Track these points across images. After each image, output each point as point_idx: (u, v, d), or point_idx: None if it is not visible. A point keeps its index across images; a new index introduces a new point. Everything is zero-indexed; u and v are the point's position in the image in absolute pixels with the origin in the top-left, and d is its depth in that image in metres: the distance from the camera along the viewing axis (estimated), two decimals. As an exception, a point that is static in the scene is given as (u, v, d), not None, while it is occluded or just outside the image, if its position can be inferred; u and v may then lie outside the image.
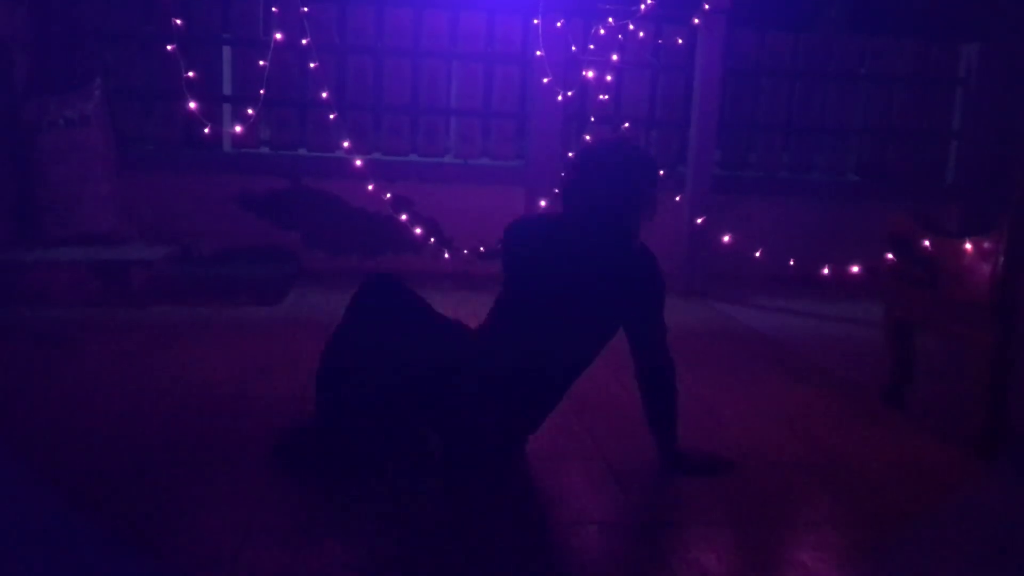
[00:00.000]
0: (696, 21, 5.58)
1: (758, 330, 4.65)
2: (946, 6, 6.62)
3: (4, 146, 4.88)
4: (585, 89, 5.68)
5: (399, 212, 5.40)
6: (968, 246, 2.93)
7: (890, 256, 3.37)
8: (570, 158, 2.65)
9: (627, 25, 5.49)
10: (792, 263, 5.34)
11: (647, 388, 2.67)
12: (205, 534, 2.11)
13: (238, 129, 4.87)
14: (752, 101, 6.17)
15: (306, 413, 2.81)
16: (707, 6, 5.49)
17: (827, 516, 2.43)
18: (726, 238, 5.17)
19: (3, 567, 1.92)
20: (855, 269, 4.43)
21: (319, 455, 2.60)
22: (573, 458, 2.73)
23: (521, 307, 2.69)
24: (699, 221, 5.35)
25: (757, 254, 5.22)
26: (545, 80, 5.43)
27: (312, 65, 5.11)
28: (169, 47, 4.79)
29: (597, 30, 5.52)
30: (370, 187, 5.20)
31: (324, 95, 5.13)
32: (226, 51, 5.64)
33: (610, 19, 5.46)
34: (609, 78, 5.62)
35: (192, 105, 4.50)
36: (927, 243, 3.16)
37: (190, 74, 4.86)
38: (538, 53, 5.39)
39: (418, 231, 5.35)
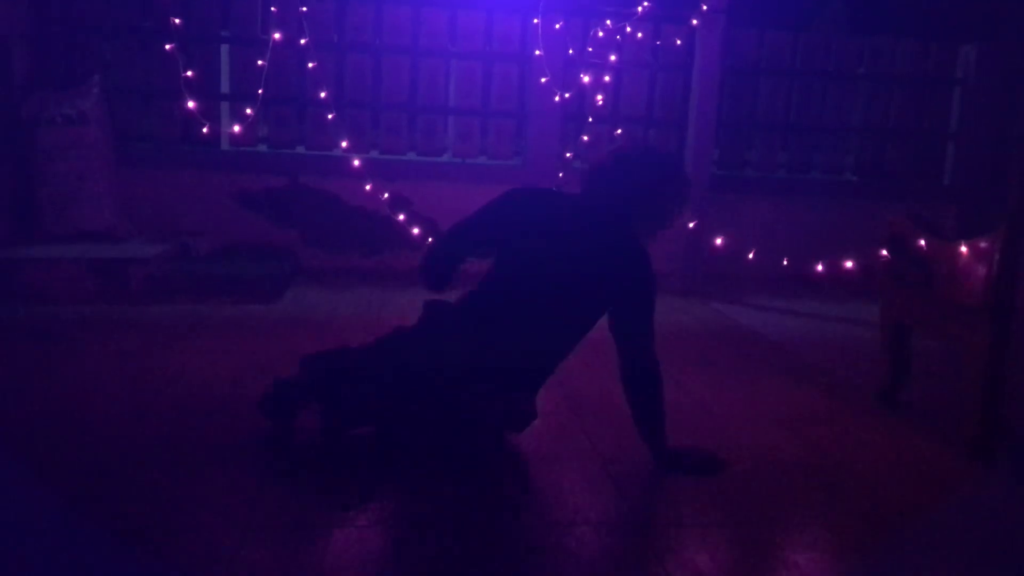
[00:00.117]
0: (695, 22, 5.59)
1: (756, 330, 4.66)
2: (945, 7, 6.64)
3: (2, 143, 4.89)
4: (584, 89, 5.68)
5: (397, 211, 5.41)
6: (964, 248, 2.94)
7: (884, 254, 3.38)
8: (614, 146, 2.72)
9: (626, 25, 5.50)
10: (789, 263, 5.35)
11: (633, 390, 2.67)
12: (204, 533, 2.12)
13: (236, 129, 4.87)
14: (751, 101, 6.18)
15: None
16: (705, 6, 5.50)
17: (823, 516, 2.43)
18: (721, 239, 5.17)
19: (2, 567, 1.93)
20: (850, 265, 4.43)
21: (318, 453, 2.61)
22: (569, 458, 2.74)
23: (509, 277, 2.75)
24: (691, 225, 5.34)
25: (751, 255, 5.23)
26: (543, 80, 5.43)
27: (310, 65, 5.11)
28: (168, 46, 4.79)
29: (596, 30, 5.53)
30: (368, 186, 5.21)
31: (323, 94, 5.13)
32: (224, 49, 5.64)
33: (608, 21, 5.46)
34: (608, 78, 5.63)
35: (191, 104, 4.51)
36: (923, 244, 3.17)
37: (188, 73, 4.86)
38: (537, 53, 5.40)
39: (416, 230, 5.35)
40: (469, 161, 5.92)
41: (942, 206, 6.11)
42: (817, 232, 5.91)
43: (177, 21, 4.95)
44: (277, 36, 4.92)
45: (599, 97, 5.64)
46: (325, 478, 2.50)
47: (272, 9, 5.11)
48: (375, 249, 5.67)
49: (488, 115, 5.91)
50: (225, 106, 5.62)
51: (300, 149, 5.81)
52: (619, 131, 5.83)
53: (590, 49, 5.53)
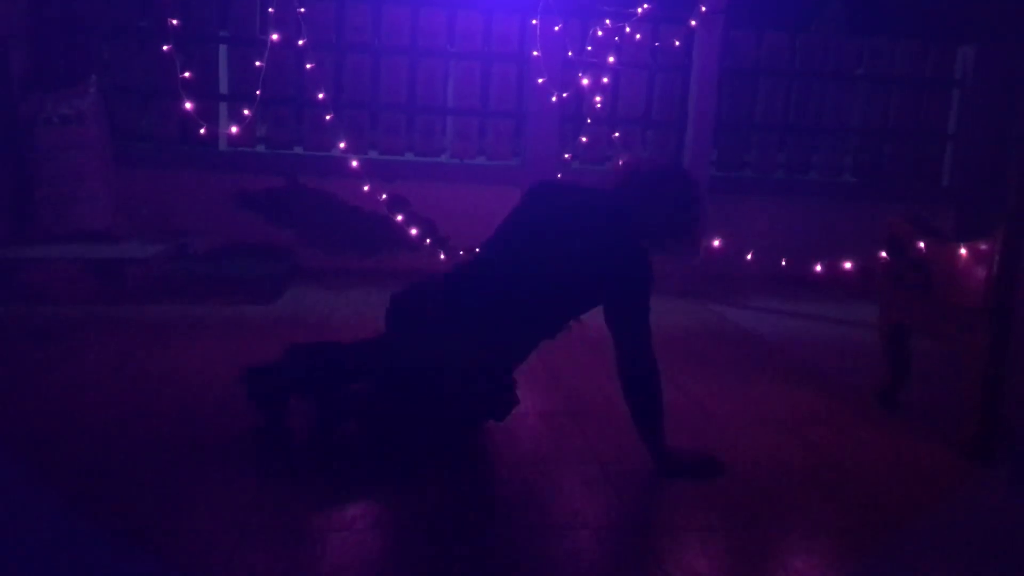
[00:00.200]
0: (693, 23, 5.59)
1: (754, 331, 4.66)
2: (943, 8, 6.64)
3: (0, 143, 4.87)
4: (582, 89, 5.68)
5: (395, 211, 5.40)
6: (963, 250, 2.94)
7: (883, 255, 3.38)
8: (664, 164, 2.81)
9: (625, 26, 5.50)
10: (788, 264, 5.35)
11: (630, 389, 2.67)
12: (201, 535, 2.11)
13: (234, 129, 4.86)
14: (749, 101, 6.17)
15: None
16: (704, 7, 5.50)
17: (821, 519, 2.43)
18: (720, 241, 5.17)
19: (1, 567, 1.92)
20: (848, 266, 4.43)
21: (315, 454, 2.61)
22: (568, 461, 2.73)
23: (493, 261, 2.81)
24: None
25: (749, 256, 5.22)
26: (541, 80, 5.43)
27: (308, 66, 5.10)
28: (165, 47, 4.78)
29: (595, 31, 5.52)
30: (366, 186, 5.20)
31: (321, 95, 5.13)
32: (223, 50, 5.63)
33: (607, 21, 5.46)
34: (606, 79, 5.62)
35: (188, 105, 4.50)
36: (922, 246, 3.17)
37: (186, 74, 4.85)
38: (535, 53, 5.39)
39: (414, 231, 5.34)
40: (467, 161, 5.91)
41: (940, 207, 6.11)
42: (816, 233, 5.91)
43: (175, 22, 4.94)
44: (275, 37, 4.91)
45: (597, 98, 5.63)
46: (323, 478, 2.49)
47: (270, 10, 5.10)
48: (373, 249, 5.66)
49: (487, 115, 5.90)
50: (223, 106, 5.62)
51: (298, 149, 5.80)
52: (616, 134, 5.82)
53: (589, 48, 5.52)
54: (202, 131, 4.63)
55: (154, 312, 4.28)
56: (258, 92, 4.82)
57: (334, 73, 5.67)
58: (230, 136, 5.31)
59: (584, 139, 5.73)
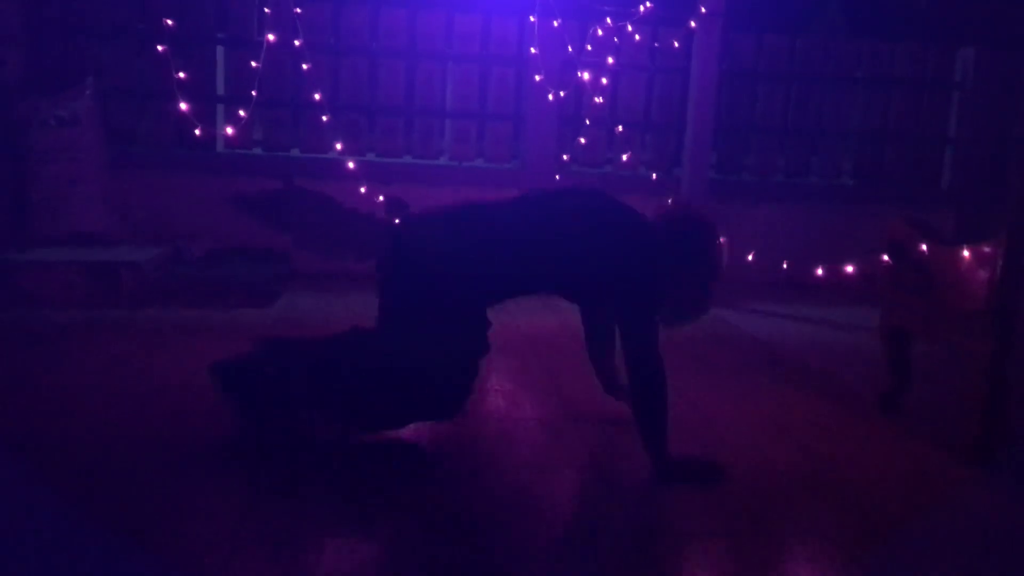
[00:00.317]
0: (693, 24, 5.56)
1: (754, 335, 4.63)
2: (942, 11, 6.63)
3: (-5, 145, 4.85)
4: (581, 91, 5.65)
5: (393, 214, 5.36)
6: (966, 253, 2.91)
7: (885, 259, 3.35)
8: (708, 221, 2.79)
9: (626, 25, 5.47)
10: (788, 267, 5.32)
11: (632, 392, 2.65)
12: (193, 544, 2.08)
13: (229, 130, 4.82)
14: (748, 104, 6.15)
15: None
16: (703, 9, 5.47)
17: (823, 525, 2.40)
18: (725, 240, 5.13)
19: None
20: (849, 269, 4.40)
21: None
22: (565, 467, 2.70)
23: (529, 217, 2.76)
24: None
25: (750, 257, 5.19)
26: (538, 78, 5.40)
27: (305, 67, 5.07)
28: (160, 47, 4.74)
29: (595, 28, 5.50)
30: (363, 189, 5.17)
31: (317, 96, 5.09)
32: (220, 51, 5.60)
33: (608, 20, 5.43)
34: (605, 80, 5.60)
35: (183, 106, 4.46)
36: (924, 249, 3.14)
37: (180, 74, 4.81)
38: (532, 51, 5.37)
39: (412, 233, 5.30)
40: (466, 164, 5.88)
41: (940, 210, 6.08)
42: (815, 236, 5.88)
43: (169, 23, 4.90)
44: (271, 37, 4.87)
45: (596, 99, 5.61)
46: (317, 483, 2.46)
47: (266, 10, 5.07)
48: (370, 253, 5.62)
49: (485, 118, 5.88)
50: (221, 109, 5.59)
51: (295, 152, 5.77)
52: (620, 127, 5.77)
53: (589, 48, 5.50)
54: (197, 132, 4.59)
55: (149, 316, 4.25)
56: (254, 93, 4.78)
57: (331, 75, 5.64)
58: (227, 138, 5.27)
59: (583, 141, 5.70)
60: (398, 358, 2.62)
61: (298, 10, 4.95)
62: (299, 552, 2.06)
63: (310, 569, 1.99)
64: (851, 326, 4.92)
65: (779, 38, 6.14)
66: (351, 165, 5.11)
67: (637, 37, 5.63)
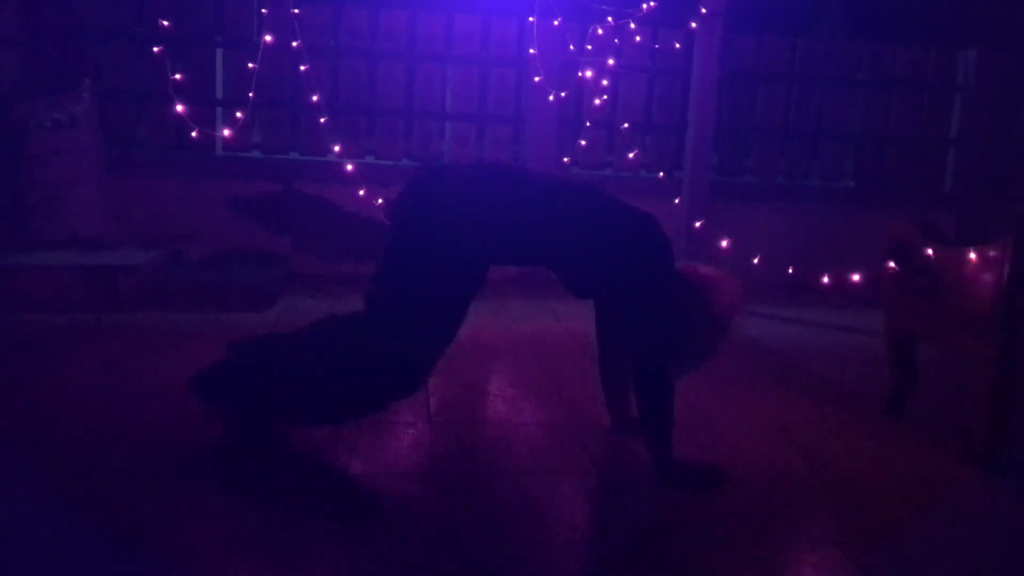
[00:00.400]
0: (693, 25, 5.54)
1: (755, 338, 4.59)
2: (945, 12, 6.60)
3: (-8, 147, 4.82)
4: (581, 93, 5.63)
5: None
6: (972, 256, 2.87)
7: (892, 265, 3.31)
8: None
9: (628, 23, 5.45)
10: (790, 270, 5.29)
11: (636, 394, 2.61)
12: (189, 550, 2.05)
13: (226, 132, 4.80)
14: (749, 106, 6.13)
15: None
16: (704, 10, 5.45)
17: (827, 531, 2.36)
18: (724, 243, 5.11)
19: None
20: (856, 278, 4.37)
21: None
22: (566, 472, 2.67)
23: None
24: (697, 225, 5.30)
25: (756, 260, 5.16)
26: (537, 79, 5.37)
27: (302, 67, 5.05)
28: (156, 48, 4.72)
29: (595, 28, 5.47)
30: (362, 192, 5.14)
31: (315, 97, 5.07)
32: (220, 53, 5.57)
33: (610, 19, 5.41)
34: (605, 82, 5.58)
35: (179, 108, 4.44)
36: (929, 252, 3.11)
37: (177, 76, 4.79)
38: (532, 51, 5.34)
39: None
40: (465, 166, 5.85)
41: (942, 212, 6.06)
42: (817, 239, 5.86)
43: (165, 23, 4.89)
44: (268, 38, 4.85)
45: (597, 100, 5.58)
46: (311, 488, 2.43)
47: (263, 11, 5.05)
48: (369, 256, 5.59)
49: (485, 120, 5.85)
50: (220, 111, 5.55)
51: (294, 155, 5.74)
52: (626, 125, 5.74)
53: (589, 47, 5.48)
54: (194, 134, 4.56)
55: (145, 320, 4.22)
56: (251, 94, 4.76)
57: (331, 77, 5.62)
58: (225, 140, 5.25)
59: (583, 143, 5.68)
60: (379, 326, 2.56)
61: (296, 10, 4.93)
62: (297, 557, 2.03)
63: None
64: (853, 329, 4.89)
65: (780, 39, 6.12)
66: (350, 167, 5.09)
67: (637, 38, 5.61)
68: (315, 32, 5.39)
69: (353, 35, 5.64)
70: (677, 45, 5.75)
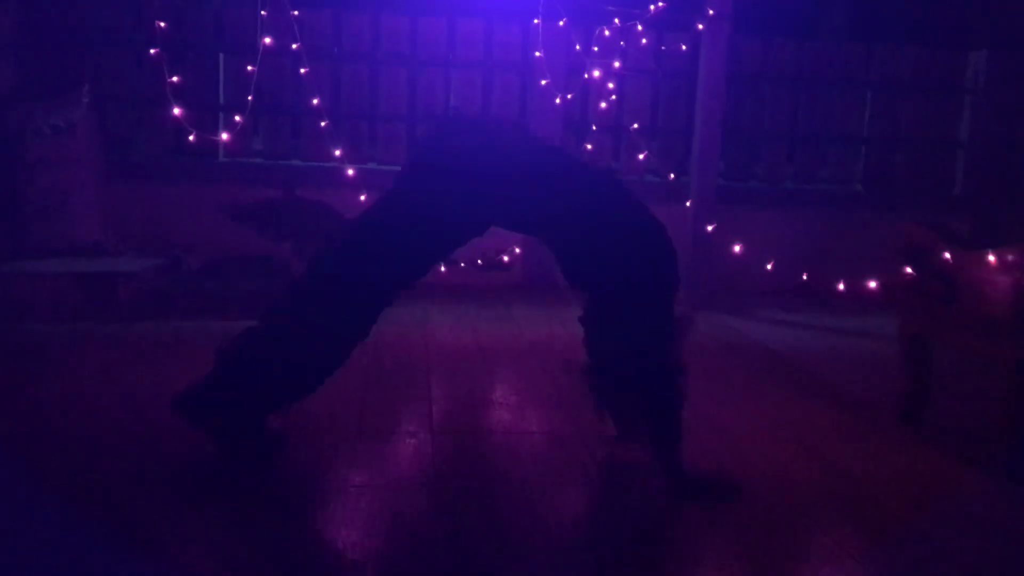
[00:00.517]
0: (700, 27, 5.47)
1: (765, 344, 4.51)
2: (953, 14, 6.54)
3: (-12, 153, 4.77)
4: (586, 96, 5.56)
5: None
6: (991, 258, 2.80)
7: (908, 270, 3.23)
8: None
9: (629, 31, 5.39)
10: (798, 275, 5.23)
11: (642, 400, 2.53)
12: (188, 565, 1.99)
13: (224, 136, 4.75)
14: (756, 109, 6.06)
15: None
16: (711, 11, 5.39)
17: (842, 542, 2.28)
18: (736, 248, 5.04)
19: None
20: (873, 285, 4.29)
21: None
22: (574, 482, 2.60)
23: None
24: (709, 228, 5.23)
25: (770, 266, 5.10)
26: (543, 82, 5.32)
27: (302, 70, 5.00)
28: (152, 51, 4.67)
29: (601, 29, 5.42)
30: (363, 197, 5.08)
31: (315, 100, 5.02)
32: (222, 59, 5.52)
33: (616, 20, 5.36)
34: (611, 85, 5.52)
35: (176, 111, 4.38)
36: (947, 255, 3.03)
37: (174, 78, 4.74)
38: (537, 54, 5.29)
39: (414, 242, 5.21)
40: (469, 172, 5.79)
41: (953, 215, 5.97)
42: (825, 243, 5.77)
43: (162, 25, 4.84)
44: (268, 42, 4.80)
45: (603, 104, 5.52)
46: (308, 495, 2.37)
47: (262, 13, 5.00)
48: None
49: (488, 125, 5.78)
50: (222, 117, 5.50)
51: (295, 161, 5.69)
52: (635, 125, 5.66)
53: (596, 49, 5.42)
54: (190, 139, 4.51)
55: (144, 328, 4.16)
56: (250, 98, 4.70)
57: (332, 83, 5.57)
58: (226, 146, 5.20)
59: (589, 146, 5.61)
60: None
61: (295, 12, 4.88)
62: (295, 565, 1.96)
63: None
64: (866, 334, 4.80)
65: (787, 41, 6.05)
66: (352, 173, 5.03)
67: (644, 40, 5.55)
68: (316, 38, 5.34)
69: (355, 40, 5.59)
70: (683, 47, 5.68)
